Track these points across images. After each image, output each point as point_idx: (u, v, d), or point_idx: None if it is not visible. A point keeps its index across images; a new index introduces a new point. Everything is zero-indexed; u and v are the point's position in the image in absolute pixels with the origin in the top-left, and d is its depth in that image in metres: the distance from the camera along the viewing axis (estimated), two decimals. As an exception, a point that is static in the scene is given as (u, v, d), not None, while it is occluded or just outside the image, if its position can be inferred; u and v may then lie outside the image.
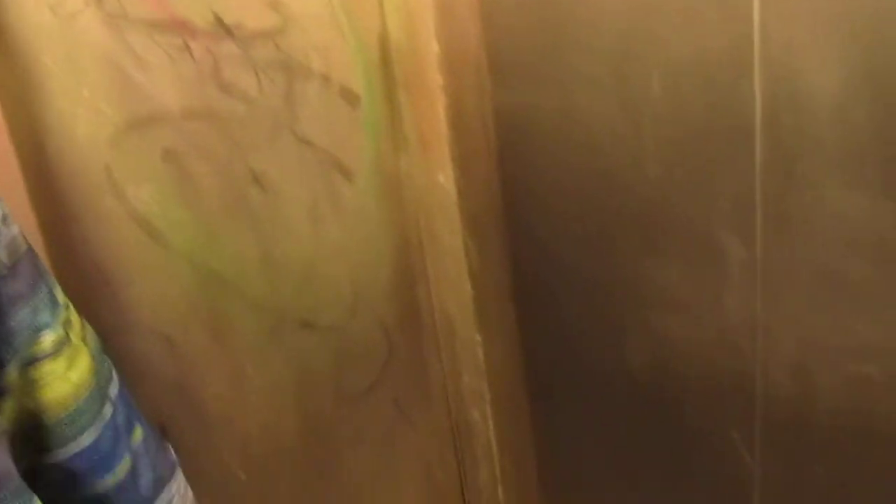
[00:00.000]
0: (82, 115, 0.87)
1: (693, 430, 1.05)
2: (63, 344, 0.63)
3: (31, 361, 0.62)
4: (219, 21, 0.93)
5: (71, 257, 0.90)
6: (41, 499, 0.60)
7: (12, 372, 0.61)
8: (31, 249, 0.64)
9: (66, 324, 0.65)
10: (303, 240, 1.06)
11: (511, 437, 1.26)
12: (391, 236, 1.14)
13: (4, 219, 0.61)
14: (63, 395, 0.63)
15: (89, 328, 0.69)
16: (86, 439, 0.65)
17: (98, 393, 0.66)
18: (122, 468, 0.68)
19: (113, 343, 0.91)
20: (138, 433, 0.71)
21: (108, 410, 0.67)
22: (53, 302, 0.64)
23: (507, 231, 1.11)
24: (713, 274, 0.94)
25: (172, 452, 0.77)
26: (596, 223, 1.01)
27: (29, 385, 0.62)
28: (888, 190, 0.79)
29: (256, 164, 1.00)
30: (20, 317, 0.61)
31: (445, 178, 1.10)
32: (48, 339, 0.62)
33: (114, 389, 0.69)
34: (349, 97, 1.05)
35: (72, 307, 0.67)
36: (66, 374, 0.63)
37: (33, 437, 0.63)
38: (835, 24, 0.78)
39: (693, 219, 0.93)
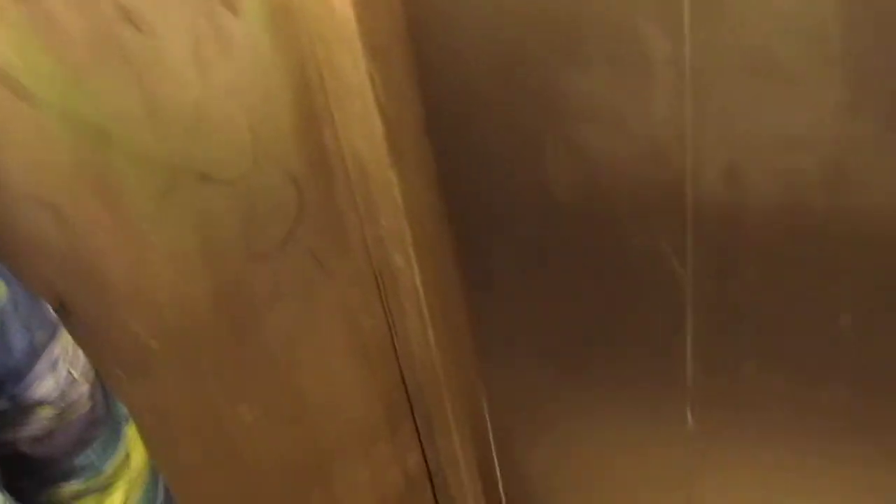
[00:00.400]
0: None
1: (622, 246, 1.02)
2: None
3: None
4: None
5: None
6: None
7: None
8: None
9: None
10: (189, 85, 0.96)
11: (437, 277, 1.22)
12: (288, 74, 1.04)
13: None
14: None
15: None
16: None
17: None
18: None
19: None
20: (1, 290, 0.63)
21: None
22: None
23: (415, 57, 1.03)
24: (639, 78, 0.88)
25: (51, 310, 0.69)
26: (510, 37, 0.94)
27: None
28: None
29: (125, -1, 0.88)
30: None
31: (341, 2, 1.00)
32: None
33: None
34: (223, -86, 0.93)
35: None
36: None
37: None
38: None
39: (615, 20, 0.87)
